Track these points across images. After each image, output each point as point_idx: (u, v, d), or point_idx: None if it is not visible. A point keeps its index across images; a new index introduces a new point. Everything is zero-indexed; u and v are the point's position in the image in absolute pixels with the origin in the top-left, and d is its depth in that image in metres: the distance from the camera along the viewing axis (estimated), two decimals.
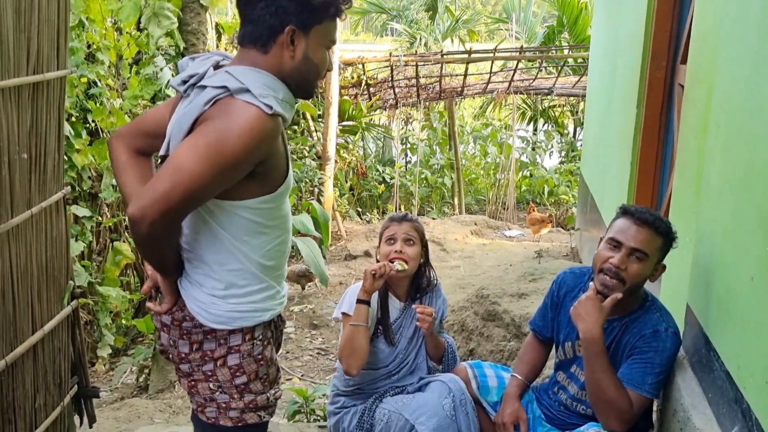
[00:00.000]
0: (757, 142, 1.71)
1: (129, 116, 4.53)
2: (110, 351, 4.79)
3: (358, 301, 2.31)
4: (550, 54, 10.71)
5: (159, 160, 1.55)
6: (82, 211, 4.26)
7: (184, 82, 1.56)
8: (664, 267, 2.12)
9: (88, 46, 4.41)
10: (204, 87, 1.48)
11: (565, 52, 11.07)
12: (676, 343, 2.09)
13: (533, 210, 7.92)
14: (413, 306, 2.42)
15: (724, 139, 2.00)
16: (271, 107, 1.44)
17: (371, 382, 2.42)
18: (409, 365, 2.46)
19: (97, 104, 4.41)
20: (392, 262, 2.37)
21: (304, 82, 1.57)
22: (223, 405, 1.66)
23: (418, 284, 2.50)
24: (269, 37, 1.50)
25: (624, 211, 2.13)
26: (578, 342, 2.16)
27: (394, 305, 2.48)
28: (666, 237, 2.07)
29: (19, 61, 2.04)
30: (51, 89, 2.24)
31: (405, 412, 2.25)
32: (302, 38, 1.51)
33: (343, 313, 2.37)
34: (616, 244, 2.07)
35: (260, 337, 1.67)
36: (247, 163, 1.46)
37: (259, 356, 1.67)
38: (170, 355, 1.72)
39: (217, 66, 1.57)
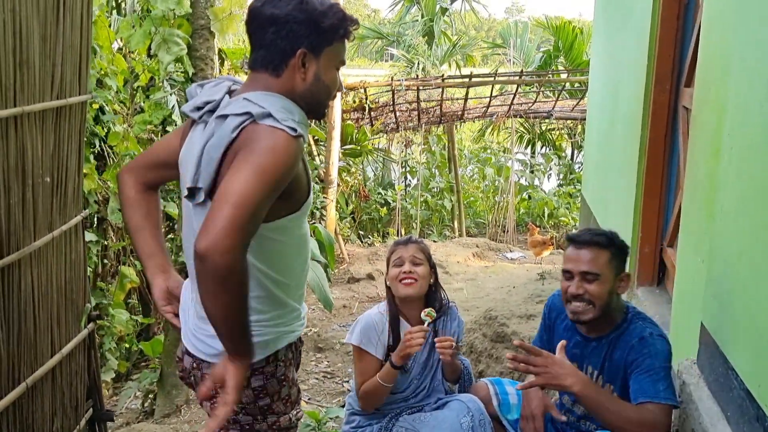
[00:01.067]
0: None
1: (138, 142, 4.57)
2: (113, 375, 4.77)
3: (393, 366, 2.31)
4: (548, 78, 10.84)
5: (187, 192, 1.53)
6: (89, 236, 4.28)
7: (198, 108, 1.57)
8: (629, 276, 2.17)
9: (97, 72, 4.46)
10: (225, 116, 1.49)
11: (563, 76, 11.20)
12: (665, 346, 2.10)
13: (534, 230, 7.94)
14: (433, 339, 2.40)
15: (738, 162, 2.03)
16: (295, 129, 1.47)
17: (387, 404, 2.42)
18: (426, 390, 2.45)
19: (105, 129, 4.44)
20: (402, 281, 2.40)
21: (315, 103, 1.60)
22: (247, 426, 1.66)
23: (431, 306, 2.46)
24: (281, 61, 1.53)
25: (568, 239, 2.22)
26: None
27: (406, 329, 2.42)
28: (611, 248, 2.12)
29: (44, 86, 2.08)
30: (73, 114, 2.27)
31: (423, 429, 2.25)
32: (313, 60, 1.54)
33: (356, 347, 2.39)
34: (568, 273, 2.16)
35: (283, 358, 1.68)
36: (284, 182, 1.48)
37: (282, 377, 1.68)
38: (192, 379, 1.72)
39: (230, 91, 1.59)
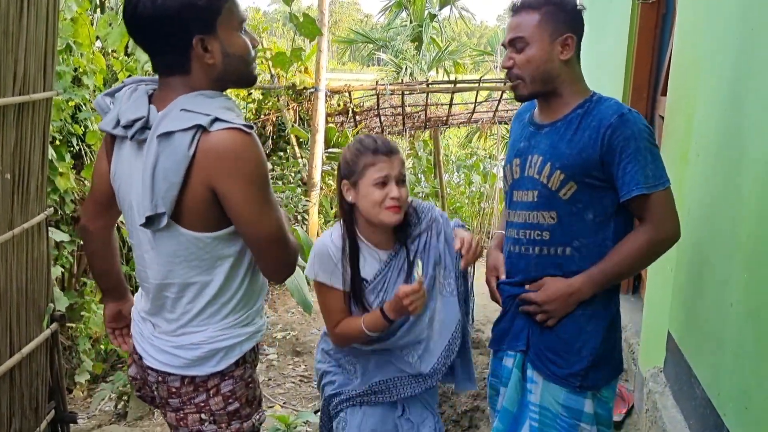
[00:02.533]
0: (735, 171, 1.74)
1: None
2: (89, 377, 4.71)
3: (386, 318, 1.84)
4: None
5: (144, 221, 1.45)
6: (60, 235, 4.22)
7: (125, 126, 1.45)
8: (573, 37, 1.77)
9: (75, 70, 4.42)
10: (170, 133, 1.40)
11: None
12: (645, 122, 1.73)
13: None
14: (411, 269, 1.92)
15: (703, 167, 2.04)
16: (249, 126, 1.42)
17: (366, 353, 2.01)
18: (410, 325, 1.95)
19: (82, 128, 4.40)
20: (389, 209, 1.85)
21: (239, 75, 1.51)
22: None
23: (407, 222, 1.94)
24: (183, 58, 1.43)
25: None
26: (517, 160, 1.89)
27: (375, 257, 1.94)
28: (542, 8, 1.76)
29: (5, 81, 2.04)
30: (36, 110, 2.24)
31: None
32: (212, 39, 1.43)
33: (315, 281, 1.95)
34: (506, 47, 1.85)
35: (249, 359, 1.65)
36: (267, 173, 1.49)
37: (249, 379, 1.65)
38: (156, 394, 1.66)
39: (149, 97, 1.49)
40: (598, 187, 1.73)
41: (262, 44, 8.15)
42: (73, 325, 4.44)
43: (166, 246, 1.49)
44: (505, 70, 1.85)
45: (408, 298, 1.78)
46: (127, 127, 1.45)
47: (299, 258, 1.62)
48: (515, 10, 1.79)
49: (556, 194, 1.77)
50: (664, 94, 3.23)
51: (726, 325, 1.72)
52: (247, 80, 1.56)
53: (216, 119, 1.40)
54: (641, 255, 1.74)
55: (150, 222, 1.45)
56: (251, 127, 1.43)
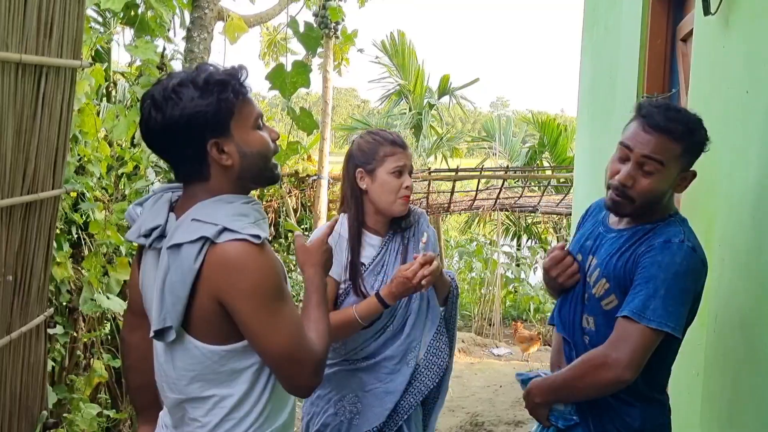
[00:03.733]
0: (764, 279, 1.69)
1: (119, 230, 4.47)
2: None
3: (382, 302, 1.91)
4: (534, 174, 11.00)
5: (153, 334, 1.42)
6: (56, 329, 4.11)
7: (145, 235, 1.44)
8: (694, 174, 1.71)
9: (79, 159, 4.42)
10: (179, 245, 1.37)
11: (548, 172, 11.38)
12: (690, 260, 1.62)
13: (519, 328, 7.80)
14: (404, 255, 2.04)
15: (730, 273, 1.98)
16: (258, 236, 1.37)
17: (356, 350, 2.07)
18: (403, 309, 2.05)
19: (83, 217, 4.36)
20: (402, 198, 2.00)
21: (258, 174, 1.47)
22: None
23: (402, 218, 2.10)
24: (201, 165, 1.41)
25: (637, 110, 1.72)
26: (579, 256, 1.81)
27: (371, 242, 2.07)
28: (685, 142, 1.64)
29: (14, 180, 2.00)
30: (44, 209, 2.19)
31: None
32: (228, 141, 1.40)
33: None
34: (626, 149, 1.68)
35: None
36: (282, 282, 1.42)
37: None
38: None
39: (172, 205, 1.48)
40: None
41: None
42: (62, 425, 4.24)
43: (180, 359, 1.46)
44: (609, 186, 1.72)
45: (412, 274, 1.87)
46: (146, 236, 1.43)
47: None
48: (657, 128, 1.64)
49: (599, 302, 1.71)
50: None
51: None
52: (267, 178, 1.52)
53: (224, 229, 1.36)
54: (583, 371, 1.65)
55: (159, 335, 1.41)
56: (259, 237, 1.37)
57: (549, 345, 8.55)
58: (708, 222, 2.21)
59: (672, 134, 1.63)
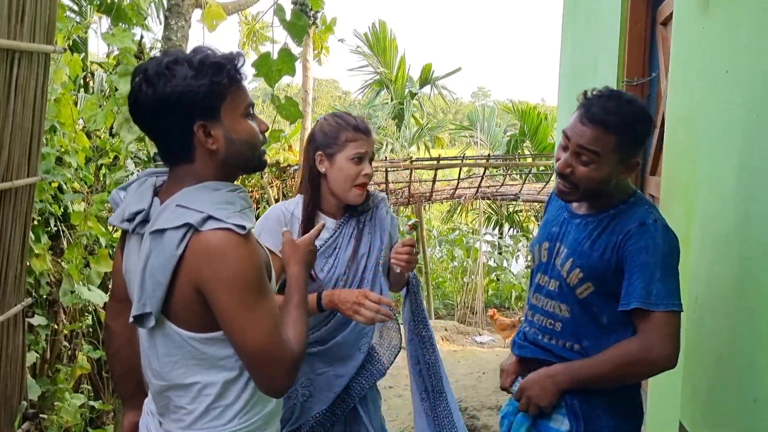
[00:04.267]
0: (750, 261, 1.70)
1: (99, 221, 4.42)
2: None
3: (319, 308, 1.91)
4: (515, 162, 11.04)
5: (133, 319, 1.40)
6: (38, 319, 4.06)
7: (129, 220, 1.42)
8: (638, 163, 1.75)
9: (58, 150, 4.36)
10: (162, 231, 1.35)
11: (529, 160, 11.43)
12: (669, 238, 1.68)
13: (496, 315, 7.83)
14: (357, 239, 2.03)
15: (711, 254, 1.99)
16: (242, 227, 1.34)
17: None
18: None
19: (61, 208, 4.29)
20: (359, 186, 1.97)
21: (245, 161, 1.45)
22: None
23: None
24: (186, 147, 1.39)
25: (581, 99, 1.74)
26: (546, 244, 1.85)
27: (327, 225, 2.03)
28: (621, 134, 1.66)
29: None
30: (19, 197, 2.15)
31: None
32: (216, 125, 1.38)
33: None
34: (566, 138, 1.71)
35: None
36: (263, 274, 1.38)
37: None
38: None
39: (156, 190, 1.45)
40: (614, 293, 1.68)
41: None
42: (45, 416, 4.20)
43: (162, 345, 1.43)
44: (557, 171, 1.74)
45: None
46: (129, 220, 1.40)
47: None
48: (592, 119, 1.66)
49: (573, 291, 1.72)
50: (653, 173, 3.23)
51: (751, 423, 1.63)
52: (253, 166, 1.50)
53: (209, 217, 1.33)
54: (623, 367, 1.68)
55: (138, 321, 1.39)
56: (244, 228, 1.35)
57: (470, 332, 8.63)
58: (688, 203, 2.22)
59: (607, 126, 1.65)
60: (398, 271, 2.04)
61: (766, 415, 1.55)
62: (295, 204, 2.06)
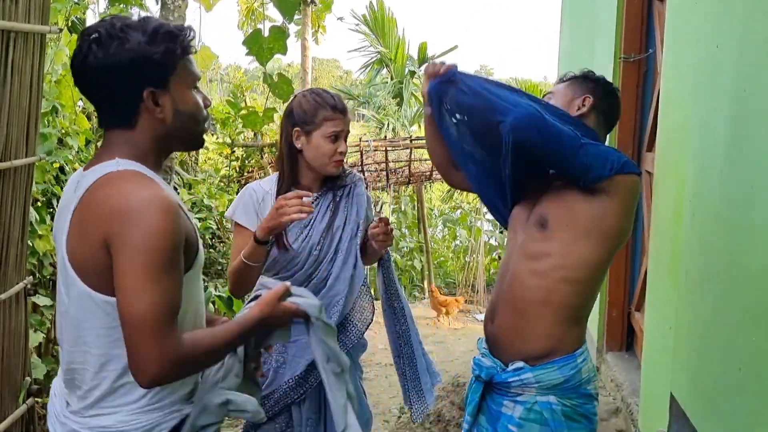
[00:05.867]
0: (736, 233, 1.72)
1: None
2: None
3: (257, 241, 1.90)
4: None
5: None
6: (43, 300, 4.10)
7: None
8: (589, 98, 1.85)
9: (60, 131, 4.38)
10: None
11: None
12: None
13: (435, 293, 7.80)
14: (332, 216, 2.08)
15: (700, 227, 2.01)
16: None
17: None
18: (324, 278, 2.07)
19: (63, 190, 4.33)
20: (335, 161, 2.03)
21: (188, 134, 1.42)
22: None
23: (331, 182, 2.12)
24: (130, 110, 1.35)
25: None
26: None
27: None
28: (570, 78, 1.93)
29: None
30: (18, 177, 2.18)
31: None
32: (164, 94, 1.36)
33: (236, 223, 2.05)
34: None
35: None
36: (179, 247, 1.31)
37: None
38: None
39: None
40: None
41: (245, 102, 8.19)
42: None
43: (75, 307, 1.34)
44: None
45: (283, 200, 1.84)
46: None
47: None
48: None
49: None
50: (650, 149, 3.25)
51: (735, 391, 1.67)
52: (195, 141, 1.47)
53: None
54: None
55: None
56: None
57: (471, 310, 8.65)
58: (679, 178, 2.24)
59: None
60: (376, 247, 2.08)
61: (750, 383, 1.59)
62: (271, 182, 2.10)
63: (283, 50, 3.02)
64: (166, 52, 1.34)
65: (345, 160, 2.13)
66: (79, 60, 1.34)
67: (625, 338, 3.60)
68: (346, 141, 2.08)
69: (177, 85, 1.38)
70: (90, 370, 1.35)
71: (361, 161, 8.46)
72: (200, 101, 1.43)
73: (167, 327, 1.26)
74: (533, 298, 1.77)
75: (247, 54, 2.98)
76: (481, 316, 8.31)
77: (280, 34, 2.99)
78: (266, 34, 3.08)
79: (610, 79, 3.53)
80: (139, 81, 1.34)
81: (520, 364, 1.77)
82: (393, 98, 15.25)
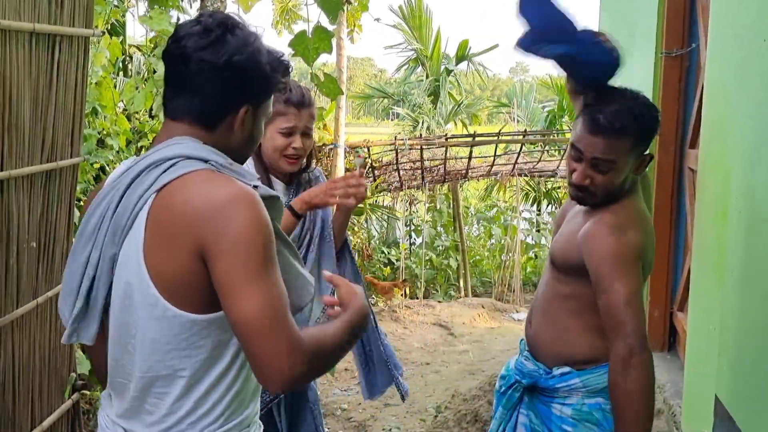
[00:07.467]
0: None
1: None
2: None
3: (293, 213, 1.90)
4: (552, 137, 10.90)
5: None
6: None
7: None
8: (651, 156, 1.77)
9: (99, 132, 4.48)
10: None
11: (567, 135, 11.26)
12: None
13: (376, 282, 7.76)
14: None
15: (746, 226, 1.96)
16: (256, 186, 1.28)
17: None
18: (303, 249, 2.04)
19: None
20: (288, 158, 1.98)
21: (239, 158, 1.36)
22: None
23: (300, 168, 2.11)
24: (221, 114, 1.29)
25: (583, 108, 1.75)
26: None
27: (278, 188, 2.07)
28: (634, 134, 1.68)
29: (33, 149, 2.04)
30: (64, 177, 2.23)
31: None
32: (253, 116, 1.33)
33: None
34: (577, 153, 1.72)
35: None
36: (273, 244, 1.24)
37: None
38: None
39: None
40: None
41: None
42: (91, 390, 4.37)
43: (153, 330, 1.24)
44: (570, 176, 1.76)
45: (343, 181, 1.85)
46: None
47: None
48: (604, 131, 1.66)
49: None
50: (693, 146, 3.17)
51: None
52: (239, 162, 1.40)
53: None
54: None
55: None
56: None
57: (507, 310, 8.56)
58: (724, 175, 2.19)
59: (618, 133, 1.66)
60: (351, 202, 1.99)
61: None
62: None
63: (329, 49, 3.03)
64: (275, 80, 1.34)
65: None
66: (205, 43, 1.26)
67: (667, 339, 3.53)
68: (307, 137, 2.01)
69: (262, 112, 1.36)
70: (173, 394, 1.26)
71: (396, 159, 8.46)
72: (262, 133, 1.41)
73: (288, 319, 1.18)
74: (566, 312, 1.78)
75: (294, 55, 2.99)
76: (518, 316, 8.24)
77: (324, 34, 3.01)
78: (310, 34, 3.10)
79: (651, 74, 3.48)
80: (247, 94, 1.30)
81: (566, 369, 1.76)
82: (428, 96, 15.20)
